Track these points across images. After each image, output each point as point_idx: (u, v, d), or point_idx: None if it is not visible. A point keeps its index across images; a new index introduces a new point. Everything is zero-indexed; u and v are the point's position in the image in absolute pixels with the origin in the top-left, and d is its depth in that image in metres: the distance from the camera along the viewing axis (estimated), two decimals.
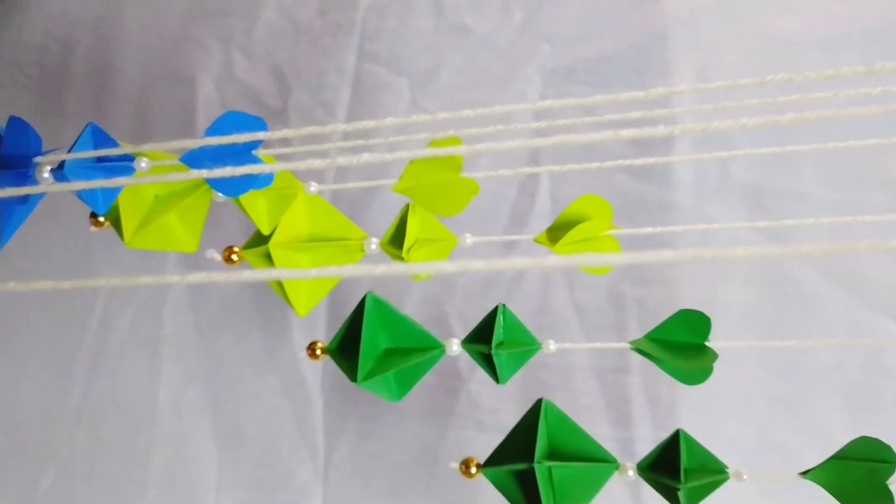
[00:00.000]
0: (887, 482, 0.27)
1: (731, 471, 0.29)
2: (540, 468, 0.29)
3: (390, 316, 0.32)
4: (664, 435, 0.51)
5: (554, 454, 0.30)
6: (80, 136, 0.26)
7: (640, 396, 0.50)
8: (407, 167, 0.30)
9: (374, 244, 0.31)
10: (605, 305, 0.52)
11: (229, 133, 0.26)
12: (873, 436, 0.40)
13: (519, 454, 0.31)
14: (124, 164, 0.27)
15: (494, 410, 0.53)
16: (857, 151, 0.49)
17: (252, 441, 0.61)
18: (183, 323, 0.65)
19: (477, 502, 0.53)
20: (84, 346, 0.66)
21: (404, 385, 0.33)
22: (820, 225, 0.46)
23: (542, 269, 0.53)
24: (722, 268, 0.50)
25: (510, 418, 0.53)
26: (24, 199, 0.24)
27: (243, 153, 0.26)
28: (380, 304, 0.32)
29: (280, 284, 0.32)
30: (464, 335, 0.39)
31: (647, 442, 0.51)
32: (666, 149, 0.53)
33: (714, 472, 0.29)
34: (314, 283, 0.32)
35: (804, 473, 0.28)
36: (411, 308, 0.56)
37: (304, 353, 0.35)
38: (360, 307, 0.32)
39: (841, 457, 0.28)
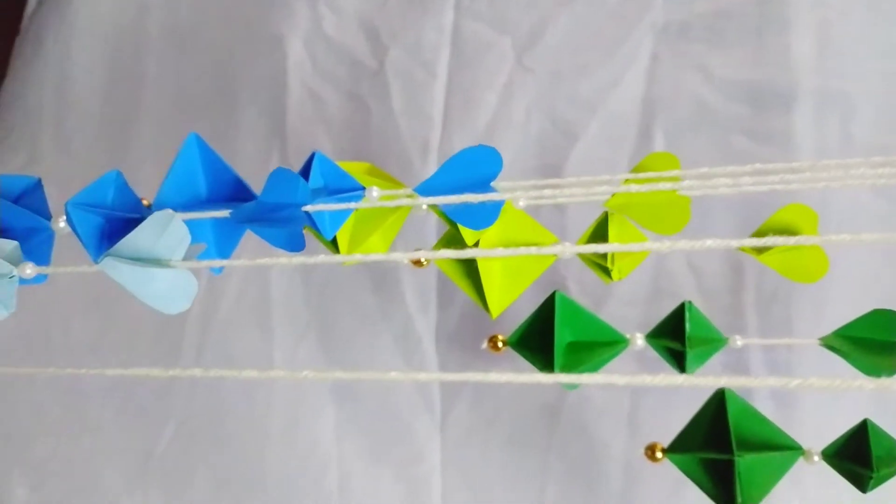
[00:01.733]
0: None
1: None
2: (739, 460, 0.31)
3: (579, 312, 0.34)
4: (780, 392, 0.54)
5: (743, 443, 0.32)
6: (309, 168, 0.27)
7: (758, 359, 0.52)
8: (623, 182, 0.31)
9: (568, 250, 0.32)
10: (723, 269, 0.54)
11: (466, 168, 0.26)
12: None
13: (708, 443, 0.33)
14: (356, 193, 0.28)
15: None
16: None
17: (368, 398, 0.64)
18: (291, 286, 0.66)
19: (598, 460, 0.56)
20: (193, 309, 0.68)
21: (578, 371, 0.35)
22: None
23: None
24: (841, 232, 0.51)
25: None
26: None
27: (481, 185, 0.26)
28: (568, 301, 0.34)
29: (472, 286, 0.34)
30: None
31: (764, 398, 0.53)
32: (786, 109, 0.52)
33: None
34: (508, 284, 0.33)
35: None
36: None
37: (485, 346, 0.37)
38: (549, 304, 0.34)
39: None
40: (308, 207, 0.24)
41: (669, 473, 0.55)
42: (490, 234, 0.33)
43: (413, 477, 0.63)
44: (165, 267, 0.23)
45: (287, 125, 0.67)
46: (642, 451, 0.35)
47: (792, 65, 0.52)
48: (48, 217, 0.28)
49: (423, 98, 0.61)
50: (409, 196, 0.27)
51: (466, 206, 0.26)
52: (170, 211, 0.23)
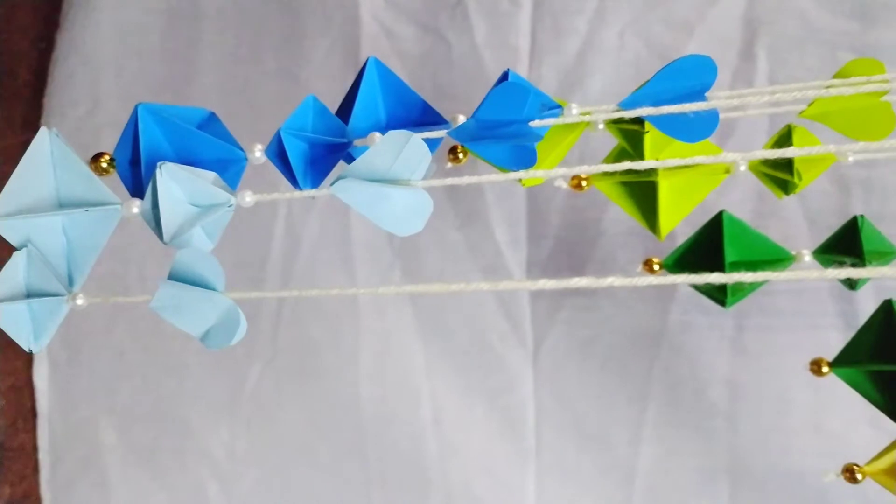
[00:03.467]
0: None
1: None
2: None
3: (746, 231, 0.34)
4: None
5: None
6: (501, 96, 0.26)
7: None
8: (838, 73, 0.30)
9: (742, 164, 0.32)
10: (828, 189, 0.53)
11: (679, 78, 0.26)
12: None
13: (879, 354, 0.33)
14: (556, 111, 0.27)
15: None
16: None
17: (458, 332, 0.64)
18: (371, 224, 0.66)
19: (701, 383, 0.57)
20: (273, 252, 0.68)
21: (737, 294, 0.35)
22: None
23: None
24: None
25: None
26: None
27: (695, 95, 0.26)
28: (735, 221, 0.34)
29: (637, 207, 0.33)
30: None
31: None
32: (892, 21, 0.51)
33: None
34: (675, 204, 0.33)
35: None
36: None
37: (640, 269, 0.37)
38: (716, 225, 0.34)
39: None
40: (536, 122, 0.24)
41: (775, 394, 0.56)
42: (664, 153, 0.32)
43: (506, 406, 0.64)
44: (403, 186, 0.23)
45: (361, 62, 0.65)
46: (807, 364, 0.35)
47: None
48: (239, 147, 0.28)
49: (507, 28, 0.60)
50: (613, 110, 0.27)
51: (681, 118, 0.25)
52: (405, 131, 0.22)
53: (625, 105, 0.26)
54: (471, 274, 0.64)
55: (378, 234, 0.66)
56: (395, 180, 0.23)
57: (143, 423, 0.71)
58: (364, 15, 0.65)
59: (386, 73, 0.28)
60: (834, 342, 0.54)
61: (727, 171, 0.32)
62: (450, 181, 0.23)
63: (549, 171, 0.30)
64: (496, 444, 0.65)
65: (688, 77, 0.25)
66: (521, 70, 0.60)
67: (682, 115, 0.25)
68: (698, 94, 0.25)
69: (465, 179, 0.23)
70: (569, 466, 0.63)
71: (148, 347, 0.70)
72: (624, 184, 0.34)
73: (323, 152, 0.26)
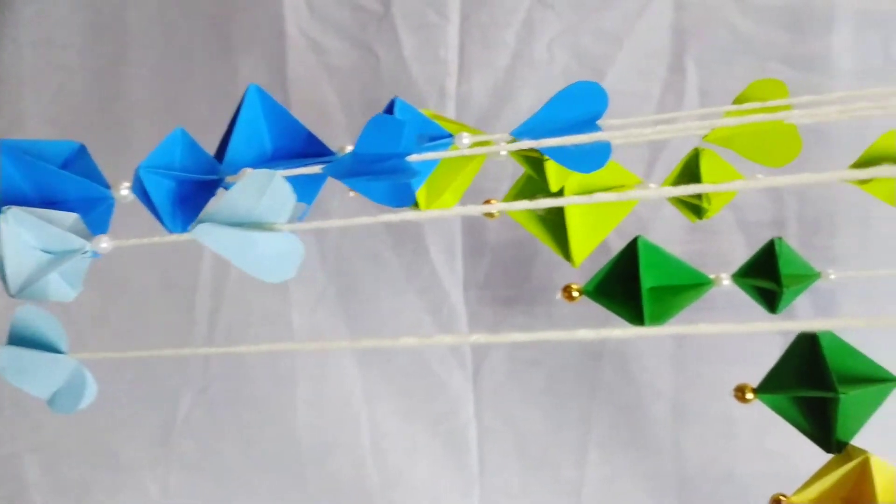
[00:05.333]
0: None
1: None
2: (843, 397, 0.30)
3: (662, 256, 0.32)
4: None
5: (841, 378, 0.32)
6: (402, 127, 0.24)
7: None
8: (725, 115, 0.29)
9: (655, 191, 0.30)
10: (762, 202, 0.53)
11: (569, 107, 0.24)
12: None
13: (804, 380, 0.32)
14: (445, 141, 0.26)
15: None
16: None
17: (396, 356, 0.62)
18: (305, 245, 0.64)
19: (644, 402, 0.56)
20: (203, 274, 0.65)
21: (665, 316, 0.34)
22: None
23: None
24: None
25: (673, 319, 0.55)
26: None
27: (587, 125, 0.24)
28: (651, 246, 0.32)
29: (552, 235, 0.32)
30: None
31: None
32: (824, 33, 0.51)
33: None
34: (591, 230, 0.31)
35: None
36: None
37: (559, 296, 0.35)
38: (631, 250, 0.32)
39: None
40: (413, 157, 0.22)
41: (718, 412, 0.55)
42: (571, 179, 0.31)
43: (449, 430, 0.62)
44: (269, 231, 0.21)
45: (288, 76, 0.63)
46: (732, 392, 0.34)
47: None
48: (106, 185, 0.26)
49: (435, 41, 0.58)
50: (508, 141, 0.25)
51: (575, 149, 0.23)
52: (268, 170, 0.20)
53: (518, 133, 0.25)
54: (406, 296, 0.62)
55: (312, 254, 0.64)
56: (260, 223, 0.21)
57: (71, 459, 0.67)
58: (290, 28, 0.63)
59: (269, 102, 0.26)
60: (774, 357, 0.54)
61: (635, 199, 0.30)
62: (315, 225, 0.21)
63: (446, 212, 0.28)
64: (440, 469, 0.63)
65: (579, 104, 0.24)
66: (451, 84, 0.58)
67: (577, 145, 0.23)
68: (590, 122, 0.24)
69: (335, 223, 0.21)
70: (514, 490, 0.61)
71: None
72: (535, 211, 0.32)
73: (193, 190, 0.24)
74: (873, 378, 0.32)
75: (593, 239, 0.31)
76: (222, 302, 0.65)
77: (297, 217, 0.22)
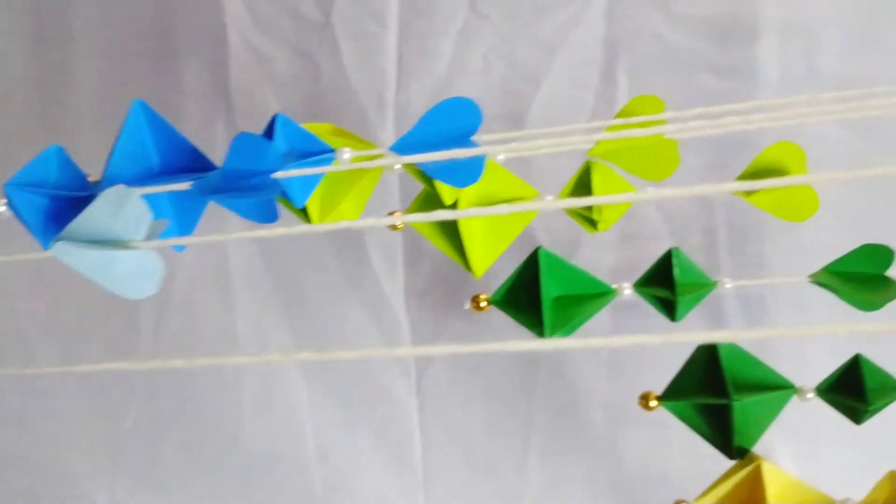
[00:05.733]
0: None
1: None
2: (737, 404, 0.31)
3: (564, 267, 0.33)
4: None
5: (738, 386, 0.32)
6: (272, 132, 0.24)
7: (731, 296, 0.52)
8: (606, 130, 0.29)
9: (549, 202, 0.30)
10: (693, 210, 0.53)
11: (444, 122, 0.25)
12: None
13: (703, 388, 0.32)
14: (326, 156, 0.26)
15: None
16: None
17: (341, 364, 0.62)
18: (249, 255, 0.64)
19: (581, 407, 0.56)
20: None
21: (572, 327, 0.34)
22: None
23: None
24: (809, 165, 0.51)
25: (602, 321, 0.56)
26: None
27: (461, 140, 0.25)
28: (552, 257, 0.33)
29: (453, 246, 0.32)
30: None
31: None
32: (749, 43, 0.51)
33: (891, 390, 0.31)
34: (490, 242, 0.32)
35: None
36: None
37: (468, 306, 0.35)
38: (533, 261, 0.33)
39: None
40: (279, 174, 0.22)
41: (652, 415, 0.56)
42: (468, 191, 0.31)
43: (393, 438, 0.62)
44: (127, 248, 0.21)
45: (230, 85, 0.63)
46: (637, 399, 0.34)
47: None
48: None
49: (374, 51, 0.58)
50: (385, 156, 0.25)
51: (448, 164, 0.24)
52: (123, 186, 0.20)
53: (396, 148, 0.25)
54: (350, 304, 0.62)
55: (256, 263, 0.64)
56: (117, 240, 0.21)
57: (19, 470, 0.67)
58: (232, 37, 0.63)
59: (154, 118, 0.26)
60: None
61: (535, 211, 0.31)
62: (172, 240, 0.21)
63: (347, 224, 0.28)
64: (384, 477, 0.63)
65: (453, 119, 0.24)
66: (389, 93, 0.58)
67: (450, 160, 0.23)
68: (464, 137, 0.24)
69: (211, 238, 0.21)
70: (458, 496, 0.62)
71: (22, 390, 0.67)
72: (438, 223, 0.32)
73: (67, 207, 0.24)
74: (770, 386, 0.32)
75: (494, 250, 0.32)
76: (167, 309, 0.65)
77: (159, 234, 0.22)
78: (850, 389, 0.31)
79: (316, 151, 0.26)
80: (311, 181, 0.26)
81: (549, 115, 0.54)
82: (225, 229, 0.64)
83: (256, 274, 0.64)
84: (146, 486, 0.65)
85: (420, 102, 0.58)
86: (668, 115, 0.27)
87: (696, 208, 0.53)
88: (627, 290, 0.33)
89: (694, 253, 0.54)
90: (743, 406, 0.31)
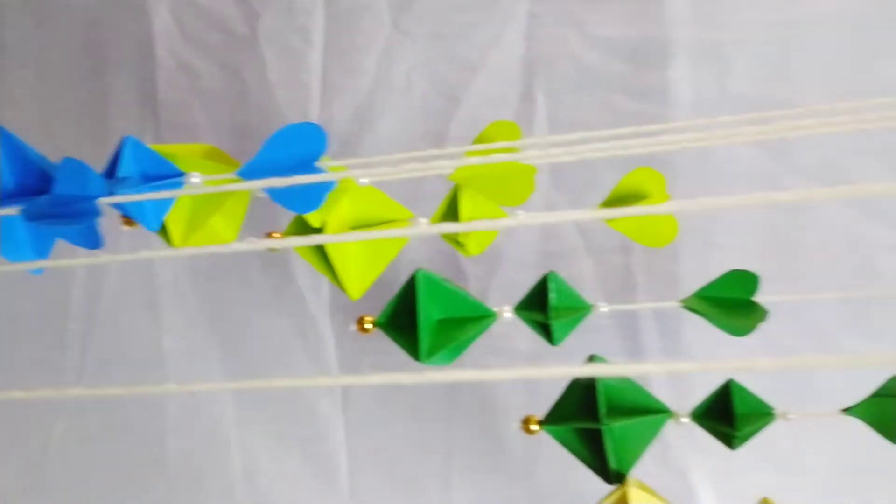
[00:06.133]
0: None
1: (777, 412, 0.32)
2: (607, 429, 0.31)
3: (441, 289, 0.33)
4: (671, 345, 0.55)
5: (613, 410, 0.32)
6: (119, 155, 0.24)
7: (646, 312, 0.53)
8: (465, 155, 0.30)
9: (423, 224, 0.30)
10: (609, 228, 0.53)
11: (289, 146, 0.24)
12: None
13: (580, 412, 0.32)
14: (175, 180, 0.26)
15: (507, 336, 0.55)
16: (853, 60, 0.50)
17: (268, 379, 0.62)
18: (177, 271, 0.64)
19: (499, 428, 0.56)
20: (74, 300, 0.65)
21: (457, 351, 0.34)
22: (818, 135, 0.47)
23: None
24: (721, 184, 0.52)
25: (523, 343, 0.56)
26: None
27: (306, 165, 0.25)
28: (431, 279, 0.33)
29: (331, 269, 0.32)
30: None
31: (655, 351, 0.54)
32: (662, 65, 0.52)
33: (763, 416, 0.31)
34: (366, 264, 0.31)
35: (846, 410, 0.31)
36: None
37: (353, 328, 0.35)
38: (412, 284, 0.33)
39: (881, 394, 0.31)
40: (104, 199, 0.22)
41: None
42: (342, 214, 0.31)
43: (319, 455, 0.62)
44: None
45: (159, 98, 0.63)
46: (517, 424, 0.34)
47: (666, 19, 0.51)
48: None
49: (299, 66, 0.58)
50: (233, 180, 0.25)
51: (291, 189, 0.24)
52: None
53: (242, 173, 0.25)
54: (276, 320, 0.62)
55: (183, 279, 0.64)
56: None
57: None
58: (160, 51, 0.63)
59: (9, 139, 0.26)
60: None
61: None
62: None
63: (223, 247, 0.28)
64: (310, 495, 0.62)
65: (298, 145, 0.24)
66: (313, 108, 0.58)
67: (294, 185, 0.23)
68: (309, 163, 0.24)
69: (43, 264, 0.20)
70: None
71: None
72: (315, 246, 0.32)
73: None
74: (645, 410, 0.32)
75: (371, 271, 0.32)
76: (95, 325, 0.64)
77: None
78: (721, 414, 0.31)
79: (166, 175, 0.25)
80: (163, 204, 0.26)
81: (469, 134, 0.54)
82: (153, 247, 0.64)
83: (184, 289, 0.64)
84: None
85: (343, 119, 0.58)
86: (527, 140, 0.27)
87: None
88: (507, 314, 0.33)
89: (611, 272, 0.55)
90: (614, 430, 0.31)
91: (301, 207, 0.24)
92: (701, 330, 0.53)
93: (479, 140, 0.29)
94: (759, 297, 0.33)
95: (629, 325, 0.54)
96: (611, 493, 0.32)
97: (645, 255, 0.53)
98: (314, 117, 0.58)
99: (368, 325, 0.35)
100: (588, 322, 0.54)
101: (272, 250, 0.33)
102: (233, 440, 0.63)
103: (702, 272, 0.53)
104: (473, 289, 0.56)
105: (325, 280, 0.60)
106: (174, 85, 0.63)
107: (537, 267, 0.55)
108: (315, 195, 0.24)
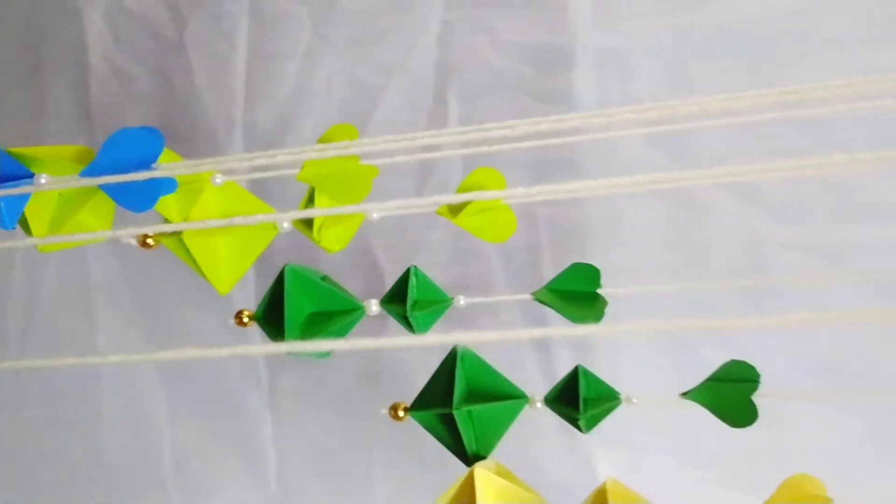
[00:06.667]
0: (752, 398, 0.32)
1: (622, 396, 0.33)
2: (459, 413, 0.33)
3: (311, 283, 0.34)
4: (582, 355, 0.56)
5: (472, 396, 0.34)
6: None
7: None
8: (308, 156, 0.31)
9: (286, 223, 0.32)
10: (519, 227, 0.55)
11: (126, 149, 0.26)
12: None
13: (440, 399, 0.34)
14: (24, 181, 0.27)
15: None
16: (751, 64, 0.52)
17: (199, 377, 0.63)
18: (109, 268, 0.65)
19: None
20: (12, 301, 0.66)
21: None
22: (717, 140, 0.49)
23: None
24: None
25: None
26: None
27: (143, 165, 0.26)
28: (299, 274, 0.34)
29: (199, 265, 0.34)
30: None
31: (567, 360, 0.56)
32: (567, 70, 0.54)
33: (608, 400, 0.33)
34: (233, 261, 0.33)
35: (684, 394, 0.33)
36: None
37: (232, 322, 0.37)
38: (280, 279, 0.34)
39: (715, 378, 0.32)
40: None
41: None
42: (207, 211, 0.33)
43: (249, 450, 0.63)
44: None
45: (92, 102, 0.64)
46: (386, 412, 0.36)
47: (570, 25, 0.53)
48: None
49: (225, 71, 0.60)
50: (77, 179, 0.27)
51: (127, 187, 0.25)
52: None
53: (84, 174, 0.26)
54: (205, 316, 0.63)
55: (117, 279, 0.65)
56: None
57: None
58: (93, 56, 0.64)
59: None
60: (532, 368, 0.56)
61: (275, 228, 0.33)
62: None
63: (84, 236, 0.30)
64: (240, 489, 0.64)
65: (136, 147, 0.25)
66: (237, 112, 0.60)
67: (131, 183, 0.25)
68: (146, 163, 0.26)
69: None
70: None
71: None
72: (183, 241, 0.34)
73: None
74: (501, 395, 0.34)
75: (238, 267, 0.33)
76: (31, 328, 0.66)
77: None
78: (570, 399, 0.33)
79: (18, 175, 0.27)
80: (17, 203, 0.27)
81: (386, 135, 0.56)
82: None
83: (118, 287, 0.65)
84: (14, 500, 0.66)
85: (266, 123, 0.59)
86: (364, 140, 0.28)
87: (522, 225, 0.55)
88: (375, 307, 0.34)
89: (520, 269, 0.56)
90: (468, 414, 0.33)
91: (136, 206, 0.25)
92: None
93: (321, 141, 0.31)
94: (604, 290, 0.35)
95: (540, 320, 0.55)
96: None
97: (552, 254, 0.55)
98: (239, 120, 0.60)
99: (246, 319, 0.36)
100: (502, 318, 0.56)
101: (145, 245, 0.34)
102: (166, 436, 0.64)
103: (608, 268, 0.55)
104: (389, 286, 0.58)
105: (251, 275, 0.62)
106: (107, 89, 0.65)
107: (448, 264, 0.57)
108: (149, 194, 0.25)
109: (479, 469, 0.32)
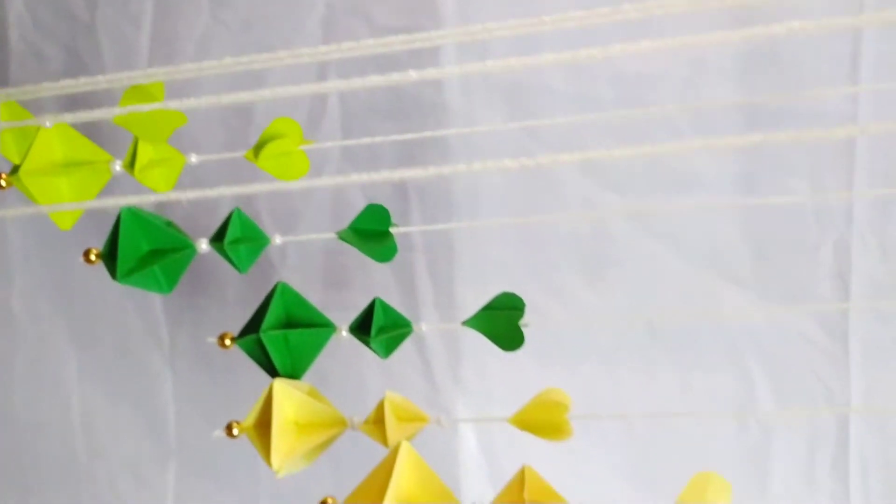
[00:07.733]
0: (519, 324, 0.36)
1: (414, 326, 0.38)
2: (266, 336, 0.37)
3: (147, 224, 0.39)
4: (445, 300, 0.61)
5: (288, 324, 0.39)
6: None
7: (423, 273, 0.59)
8: (124, 96, 0.36)
9: (118, 165, 0.37)
10: (390, 195, 0.60)
11: None
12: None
13: (256, 327, 0.39)
14: None
15: (304, 291, 0.61)
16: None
17: (106, 337, 0.68)
18: (27, 234, 0.69)
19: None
20: None
21: (171, 279, 0.40)
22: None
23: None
24: (484, 157, 0.58)
25: (319, 295, 0.62)
26: None
27: None
28: (136, 215, 0.39)
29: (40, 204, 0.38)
30: None
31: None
32: (434, 57, 0.59)
33: (401, 327, 0.38)
34: (76, 198, 0.37)
35: (465, 322, 0.37)
36: None
37: (81, 259, 0.41)
38: (117, 221, 0.39)
39: (489, 307, 0.37)
40: None
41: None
42: (52, 153, 0.37)
43: (150, 408, 0.68)
44: None
45: (11, 81, 0.69)
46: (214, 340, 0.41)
47: (438, 13, 0.58)
48: None
49: (130, 52, 0.64)
50: None
51: None
52: None
53: None
54: (110, 282, 0.67)
55: (31, 242, 0.69)
56: None
57: None
58: (12, 36, 0.68)
59: None
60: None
61: (109, 171, 0.37)
62: None
63: None
64: (140, 446, 0.68)
65: None
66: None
67: None
68: None
69: None
70: (206, 465, 0.67)
71: None
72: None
73: None
74: (313, 323, 0.39)
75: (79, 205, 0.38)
76: None
77: None
78: (365, 328, 0.38)
79: None
80: None
81: (273, 112, 0.61)
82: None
83: (33, 253, 0.69)
84: None
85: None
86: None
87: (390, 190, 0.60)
88: (204, 245, 0.39)
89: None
90: (280, 338, 0.38)
91: None
92: (472, 289, 0.60)
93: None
94: None
95: (409, 286, 0.60)
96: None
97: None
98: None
99: (94, 257, 0.40)
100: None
101: None
102: (74, 394, 0.68)
103: (470, 226, 0.60)
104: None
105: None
106: (25, 69, 0.69)
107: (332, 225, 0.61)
108: None
109: (279, 382, 0.37)
